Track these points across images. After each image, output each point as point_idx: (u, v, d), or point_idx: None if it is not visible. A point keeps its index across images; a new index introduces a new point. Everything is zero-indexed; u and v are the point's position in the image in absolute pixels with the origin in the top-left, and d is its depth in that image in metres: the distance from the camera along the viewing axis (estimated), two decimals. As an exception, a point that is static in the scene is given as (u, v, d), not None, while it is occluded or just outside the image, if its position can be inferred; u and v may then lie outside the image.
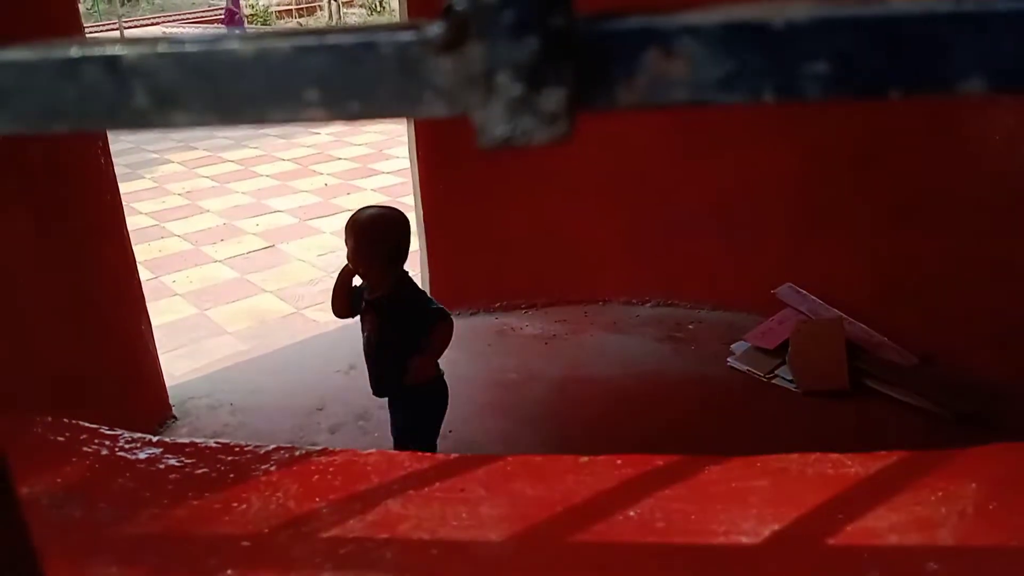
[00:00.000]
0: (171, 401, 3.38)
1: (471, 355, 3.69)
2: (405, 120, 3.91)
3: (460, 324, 3.99)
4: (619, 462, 0.87)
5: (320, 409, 3.36)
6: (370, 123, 10.27)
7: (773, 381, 3.23)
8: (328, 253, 5.80)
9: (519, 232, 3.89)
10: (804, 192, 3.50)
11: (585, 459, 0.88)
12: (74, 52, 0.21)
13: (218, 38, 0.21)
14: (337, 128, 10.10)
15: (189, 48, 0.21)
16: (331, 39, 0.21)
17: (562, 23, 0.20)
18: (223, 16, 16.86)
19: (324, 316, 4.76)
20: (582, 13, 0.20)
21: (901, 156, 3.19)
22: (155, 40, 0.21)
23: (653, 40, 0.20)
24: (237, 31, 16.45)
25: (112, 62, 0.21)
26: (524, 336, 3.79)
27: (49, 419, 1.01)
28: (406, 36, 0.21)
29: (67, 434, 0.96)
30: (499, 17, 0.20)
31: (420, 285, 4.10)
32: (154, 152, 9.23)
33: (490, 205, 3.85)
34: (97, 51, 0.21)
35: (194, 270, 5.49)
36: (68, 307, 2.84)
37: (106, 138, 3.08)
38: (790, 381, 3.19)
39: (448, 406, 2.58)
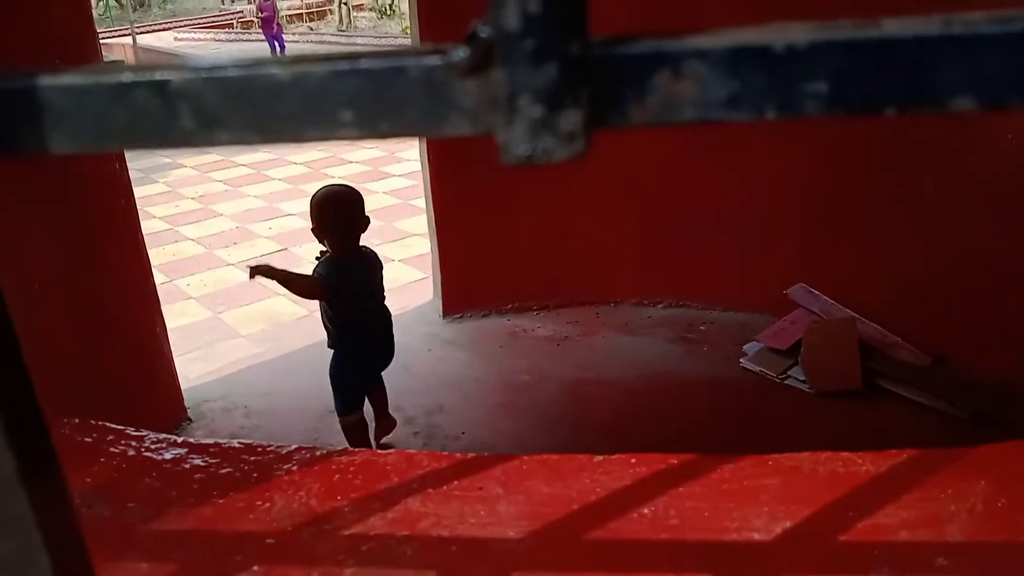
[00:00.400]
0: (186, 404, 3.41)
1: (483, 357, 3.71)
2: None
3: (472, 326, 4.03)
4: (633, 461, 0.89)
5: (331, 411, 3.38)
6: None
7: (786, 382, 3.23)
8: (340, 256, 5.82)
9: (530, 234, 3.90)
10: (816, 192, 3.50)
11: (599, 458, 0.89)
12: (125, 77, 0.22)
13: (258, 63, 0.23)
14: (348, 131, 10.14)
15: (231, 72, 0.22)
16: (363, 64, 0.22)
17: (578, 50, 0.21)
18: (260, 24, 16.51)
19: (337, 319, 4.78)
20: (596, 37, 0.22)
21: (914, 156, 3.19)
22: (200, 67, 0.23)
23: (663, 63, 0.22)
24: (275, 40, 16.00)
25: (160, 86, 0.22)
26: (536, 338, 3.81)
27: (76, 420, 1.03)
28: (433, 61, 0.22)
29: (94, 435, 0.99)
30: (520, 45, 0.21)
31: (433, 288, 4.13)
32: (167, 157, 9.30)
33: (501, 207, 3.87)
34: (146, 76, 0.22)
35: (208, 273, 5.54)
36: (84, 311, 2.87)
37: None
38: (803, 382, 3.19)
39: (370, 355, 2.93)
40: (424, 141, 3.91)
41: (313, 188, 8.44)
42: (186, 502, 0.85)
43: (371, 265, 2.84)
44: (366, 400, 3.03)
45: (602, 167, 3.69)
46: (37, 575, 0.25)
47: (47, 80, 0.22)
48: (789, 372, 3.25)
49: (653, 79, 0.22)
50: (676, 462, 0.89)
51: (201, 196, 7.55)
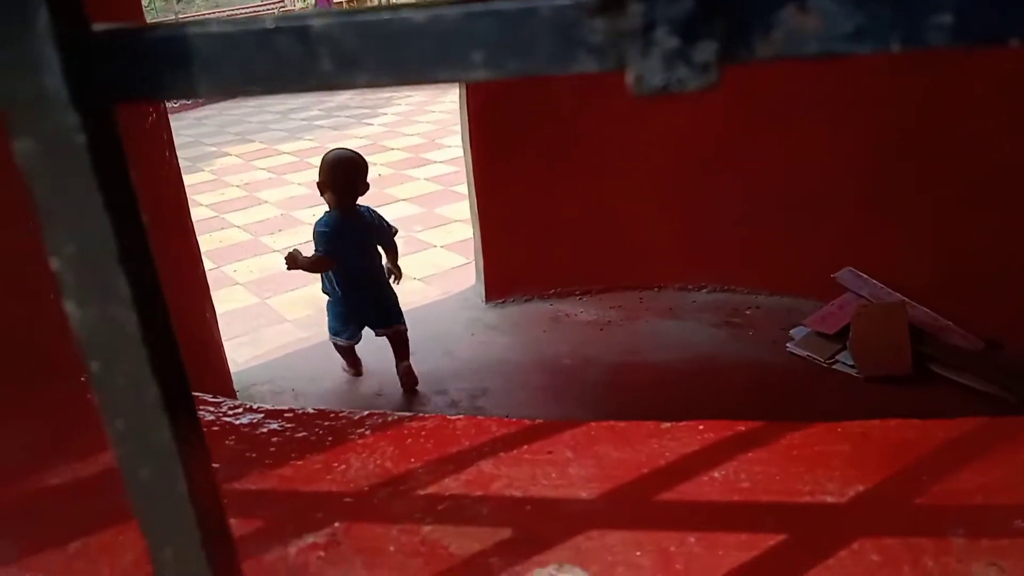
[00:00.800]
0: (236, 387, 3.48)
1: (526, 341, 3.72)
2: (459, 107, 3.94)
3: (515, 310, 4.04)
4: (701, 427, 0.89)
5: (379, 395, 3.43)
6: (423, 114, 10.34)
7: (834, 367, 3.19)
8: (383, 242, 5.89)
9: (573, 218, 3.90)
10: (865, 174, 3.44)
11: (667, 424, 0.90)
12: (269, 24, 0.24)
13: (394, 6, 0.24)
14: (390, 119, 10.21)
15: (369, 17, 0.23)
16: (496, 5, 0.23)
17: (713, -17, 0.22)
18: None
19: (380, 304, 4.83)
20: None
21: (965, 138, 3.12)
22: (340, 12, 0.24)
23: (790, -2, 0.22)
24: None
25: (302, 31, 0.24)
26: (579, 322, 3.81)
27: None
28: (563, 1, 0.23)
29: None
30: (659, -22, 0.22)
31: (476, 273, 4.19)
32: (212, 146, 9.45)
33: (544, 192, 3.87)
34: (289, 22, 0.24)
35: (254, 260, 5.63)
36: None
37: (170, 131, 3.17)
38: (851, 366, 3.15)
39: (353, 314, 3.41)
40: (467, 126, 3.91)
41: (356, 175, 8.39)
42: (265, 463, 0.88)
43: (365, 223, 3.28)
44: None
45: (645, 151, 3.67)
46: (174, 499, 0.27)
47: (195, 28, 0.24)
48: (837, 357, 3.21)
49: (780, 13, 0.22)
50: (744, 428, 0.89)
51: (246, 184, 7.66)
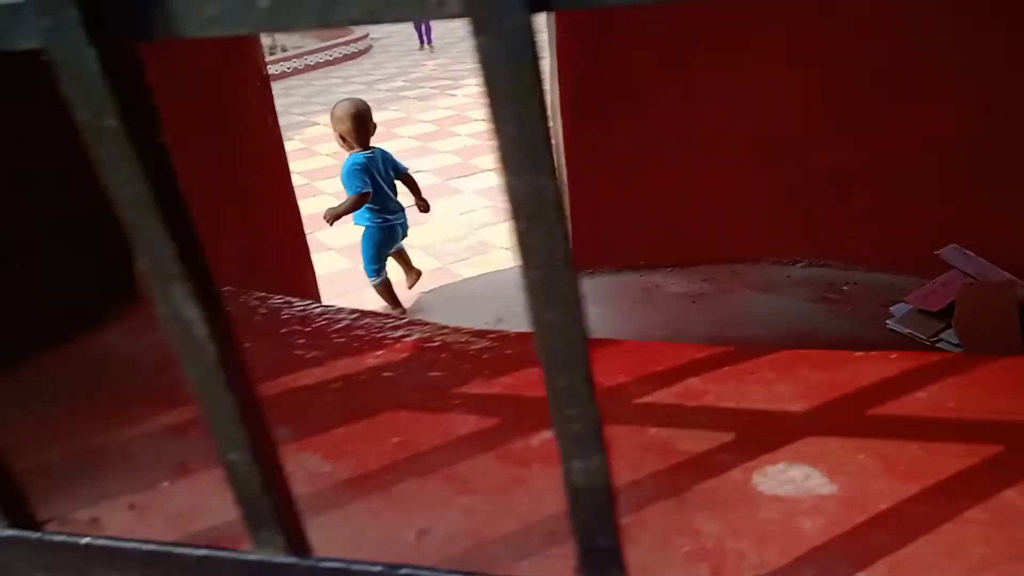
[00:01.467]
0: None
1: (616, 312, 3.74)
2: (548, 80, 3.95)
3: (605, 281, 4.06)
4: (893, 356, 0.92)
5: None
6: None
7: (937, 345, 3.12)
8: (470, 212, 5.98)
9: (664, 188, 3.88)
10: (972, 146, 3.32)
11: (859, 353, 0.93)
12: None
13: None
14: (473, 90, 10.27)
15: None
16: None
17: None
18: None
19: (469, 271, 4.92)
20: None
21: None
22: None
23: None
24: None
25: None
26: (670, 294, 3.81)
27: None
28: None
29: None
30: None
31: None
32: (301, 115, 9.69)
33: (634, 162, 3.86)
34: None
35: (346, 226, 5.77)
36: (247, 271, 3.03)
37: (272, 97, 3.26)
38: (956, 345, 3.08)
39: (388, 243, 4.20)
40: (556, 95, 3.91)
41: (440, 146, 8.50)
42: (484, 373, 0.95)
43: (383, 160, 4.05)
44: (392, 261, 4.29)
45: (740, 120, 3.62)
46: (574, 337, 0.32)
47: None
48: (941, 335, 3.14)
49: None
50: (937, 359, 0.91)
51: (335, 153, 7.82)
